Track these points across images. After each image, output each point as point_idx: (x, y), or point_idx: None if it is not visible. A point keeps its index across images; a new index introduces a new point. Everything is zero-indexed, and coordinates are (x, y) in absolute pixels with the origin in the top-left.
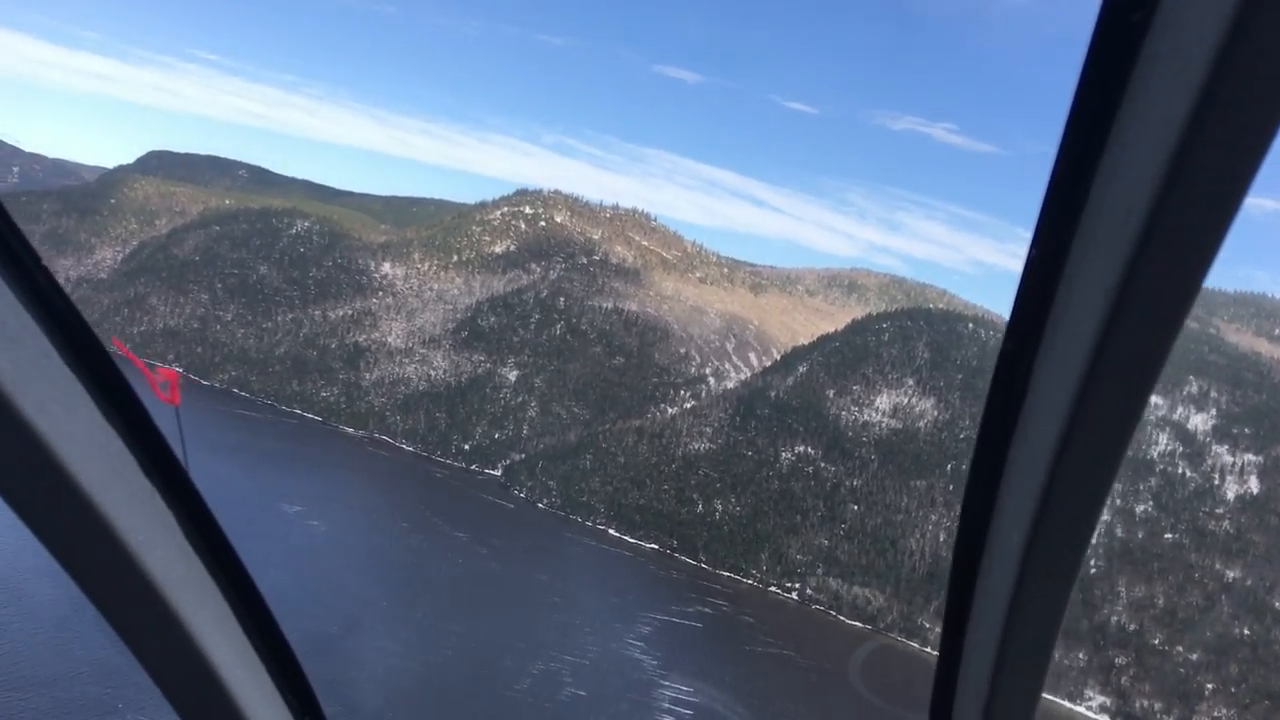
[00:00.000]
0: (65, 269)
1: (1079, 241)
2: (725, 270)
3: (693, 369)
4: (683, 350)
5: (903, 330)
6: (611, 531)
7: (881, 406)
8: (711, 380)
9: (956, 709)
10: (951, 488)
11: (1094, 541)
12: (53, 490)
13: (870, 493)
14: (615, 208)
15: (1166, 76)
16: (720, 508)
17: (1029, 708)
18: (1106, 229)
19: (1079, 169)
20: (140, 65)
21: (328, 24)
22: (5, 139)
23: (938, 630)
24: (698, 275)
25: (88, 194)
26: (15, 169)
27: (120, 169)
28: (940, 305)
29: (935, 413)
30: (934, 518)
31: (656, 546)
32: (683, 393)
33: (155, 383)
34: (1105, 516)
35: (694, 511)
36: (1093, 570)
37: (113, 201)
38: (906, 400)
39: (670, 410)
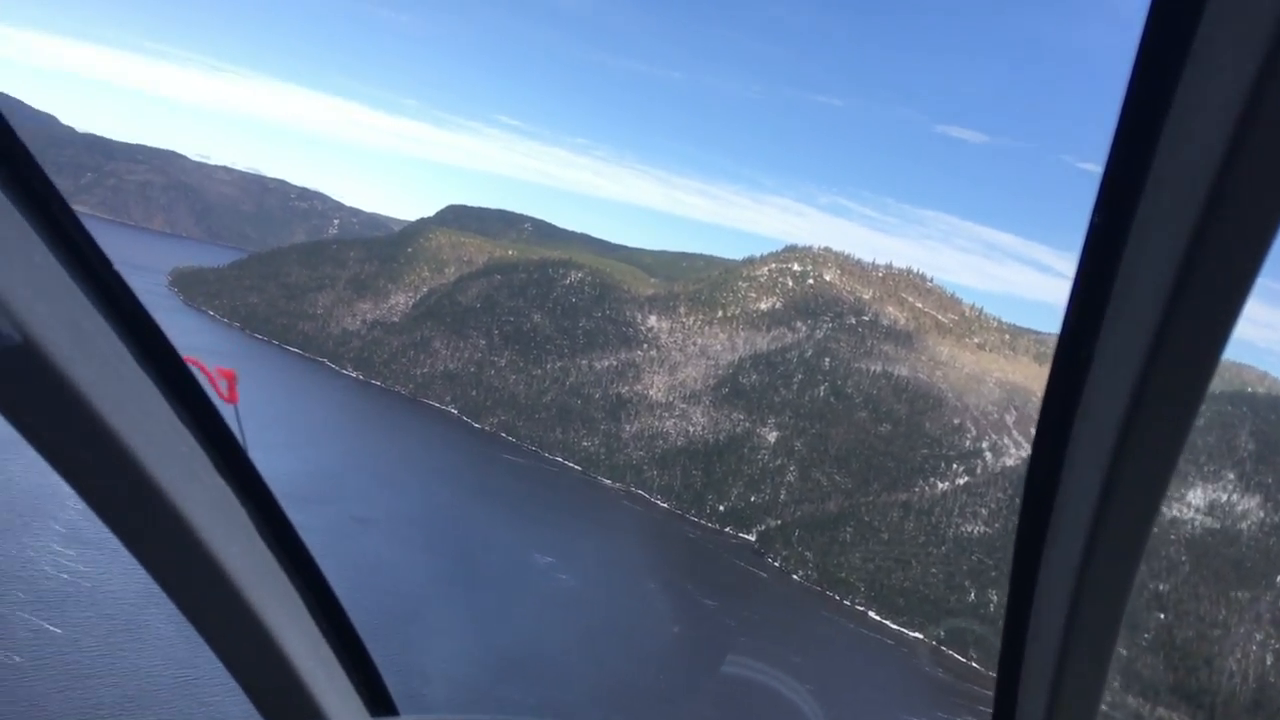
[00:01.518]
0: (363, 312)
1: (1142, 211)
2: (1006, 337)
3: (967, 442)
4: (957, 421)
5: (1221, 416)
6: (871, 614)
7: (1194, 502)
8: (988, 455)
9: (1019, 713)
10: None
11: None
12: (131, 489)
13: (1180, 600)
14: (888, 267)
15: (1232, 39)
16: (995, 599)
17: (1091, 711)
18: (1171, 197)
19: (1142, 133)
20: (451, 130)
21: (619, 90)
22: (330, 194)
23: None
24: (976, 341)
25: (389, 244)
26: (336, 221)
27: (421, 221)
28: (1261, 389)
29: (1262, 513)
30: (1260, 636)
31: (921, 636)
32: (955, 467)
33: (215, 382)
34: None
35: (964, 600)
36: None
37: (410, 251)
38: (1226, 496)
39: (941, 485)
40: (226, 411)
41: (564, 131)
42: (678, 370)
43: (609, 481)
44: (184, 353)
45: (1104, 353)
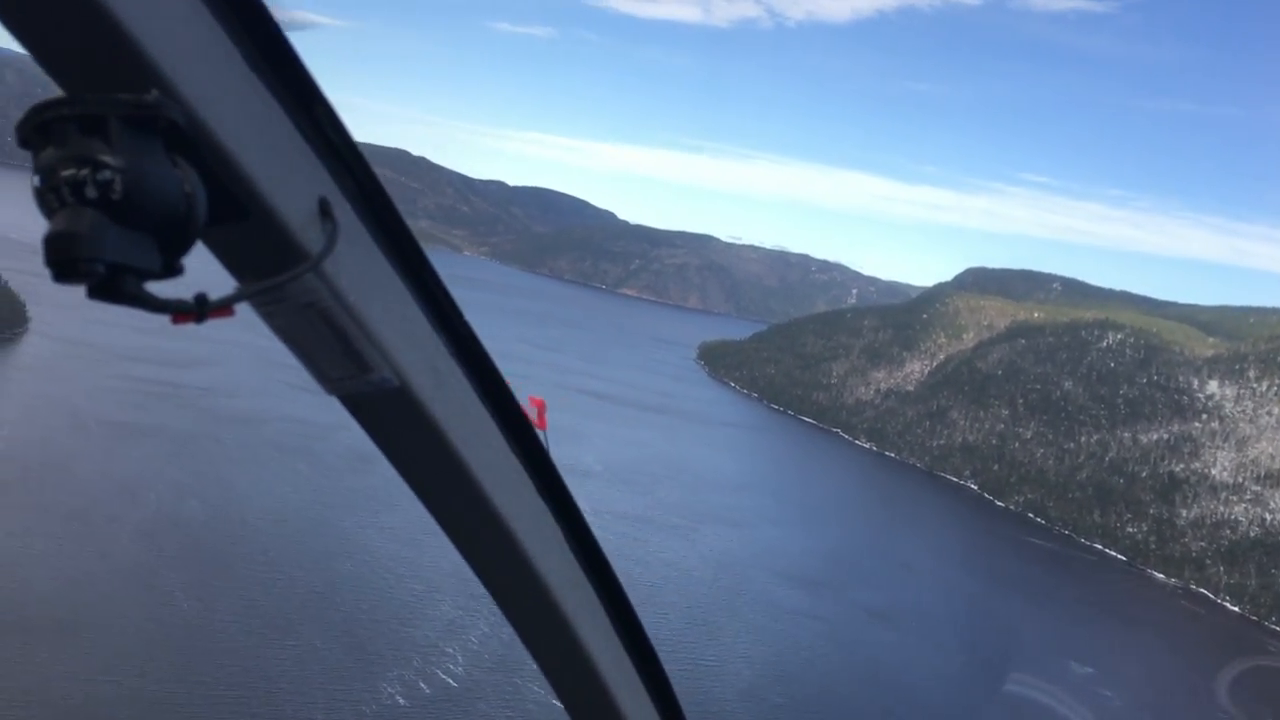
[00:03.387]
0: (877, 381)
1: None
2: None
3: None
4: None
5: None
6: None
7: None
8: None
9: None
10: None
11: None
12: (472, 508)
13: None
14: None
15: None
16: None
17: None
18: None
19: None
20: (972, 192)
21: (1161, 134)
22: (848, 265)
23: None
24: None
25: (905, 310)
26: (854, 291)
27: (937, 286)
28: None
29: None
30: None
31: None
32: None
33: (527, 412)
34: None
35: None
36: None
37: (924, 317)
38: None
39: None
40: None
41: (1097, 184)
42: (1248, 445)
43: (1161, 576)
44: (709, 425)
45: None
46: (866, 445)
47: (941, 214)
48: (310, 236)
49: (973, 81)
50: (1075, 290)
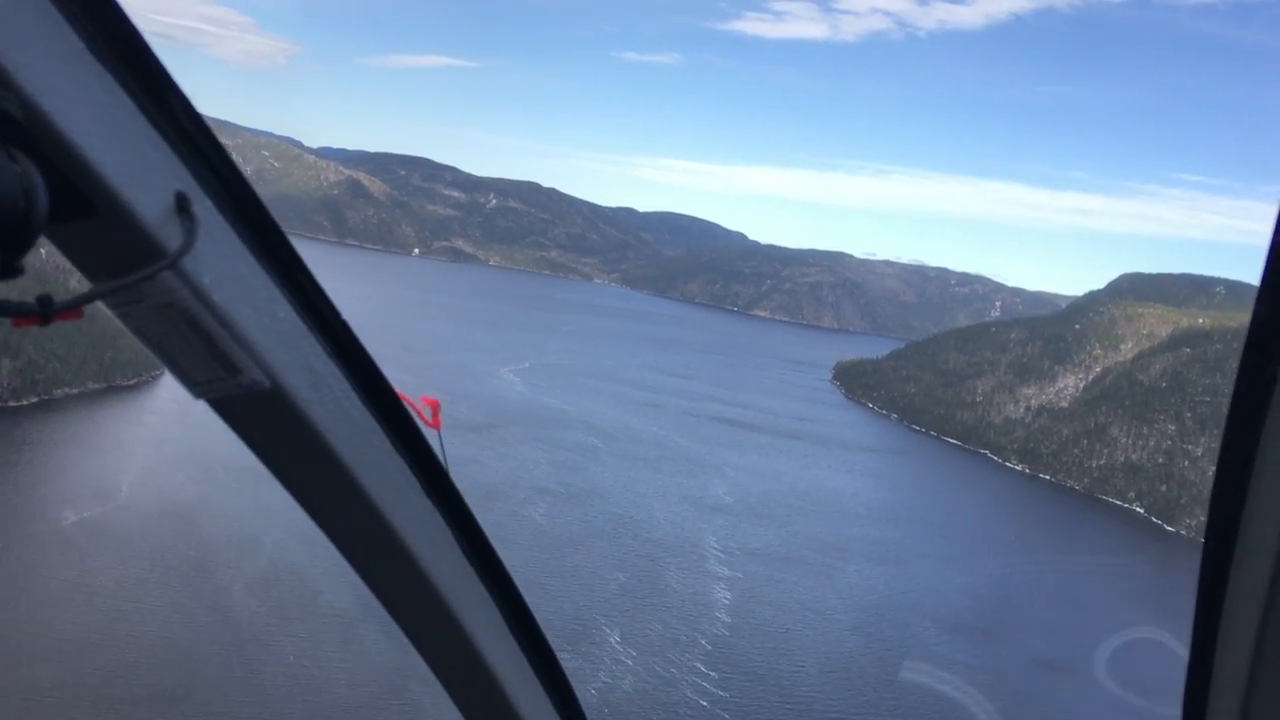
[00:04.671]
0: (1027, 397)
1: None
2: None
3: None
4: None
5: None
6: None
7: None
8: None
9: (1211, 707)
10: None
11: None
12: (354, 511)
13: None
14: None
15: None
16: None
17: None
18: None
19: None
20: (1123, 196)
21: None
22: (990, 276)
23: None
24: None
25: (1053, 321)
26: (998, 303)
27: (1089, 295)
28: None
29: None
30: None
31: None
32: None
33: (419, 411)
34: None
35: None
36: None
37: (1076, 327)
38: None
39: None
40: (432, 435)
41: (1257, 180)
42: None
43: None
44: (847, 450)
45: None
46: (1018, 467)
47: (1091, 220)
48: (167, 233)
49: (1119, 81)
50: (1241, 293)
